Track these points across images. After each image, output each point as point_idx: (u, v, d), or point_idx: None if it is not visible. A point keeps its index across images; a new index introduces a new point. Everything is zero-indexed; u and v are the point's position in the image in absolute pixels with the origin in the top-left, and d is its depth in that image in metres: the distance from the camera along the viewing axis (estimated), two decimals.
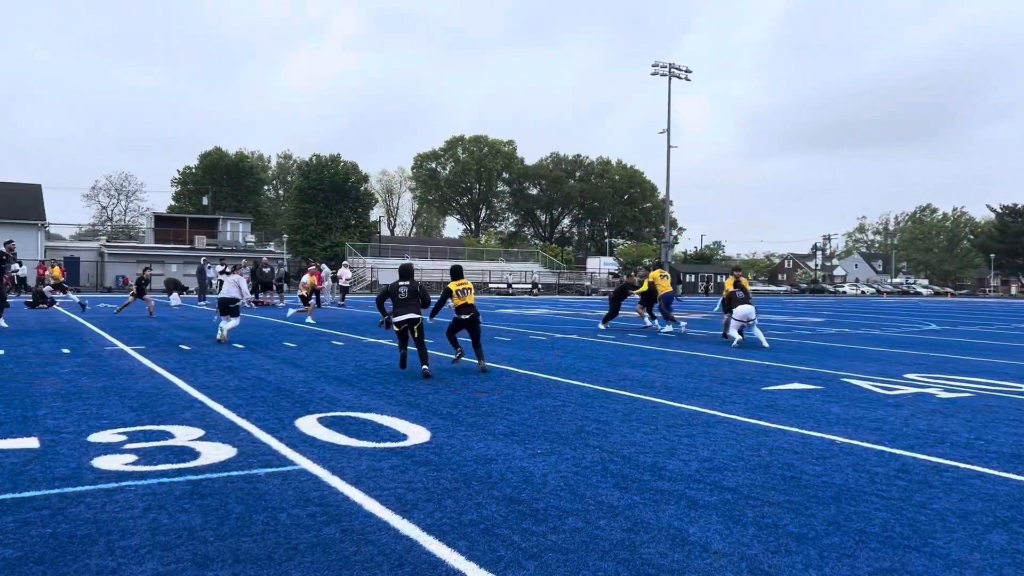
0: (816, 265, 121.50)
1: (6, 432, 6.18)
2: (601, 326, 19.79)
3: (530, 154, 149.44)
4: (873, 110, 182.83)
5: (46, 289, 24.01)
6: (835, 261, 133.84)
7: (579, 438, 6.40)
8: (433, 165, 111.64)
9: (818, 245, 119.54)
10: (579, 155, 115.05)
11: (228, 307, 14.26)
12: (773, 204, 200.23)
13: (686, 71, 69.63)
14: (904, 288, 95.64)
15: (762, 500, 4.72)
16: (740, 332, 15.32)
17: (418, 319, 10.45)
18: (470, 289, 11.35)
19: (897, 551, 3.88)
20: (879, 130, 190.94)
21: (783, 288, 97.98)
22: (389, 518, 4.23)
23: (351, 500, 4.55)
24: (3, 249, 16.97)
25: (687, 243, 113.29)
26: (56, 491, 4.59)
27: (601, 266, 77.84)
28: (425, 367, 10.13)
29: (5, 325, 16.38)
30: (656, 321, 19.40)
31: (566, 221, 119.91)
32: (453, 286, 11.28)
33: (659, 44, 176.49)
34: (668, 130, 68.82)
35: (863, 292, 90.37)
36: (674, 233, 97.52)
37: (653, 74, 68.81)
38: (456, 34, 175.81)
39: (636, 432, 6.68)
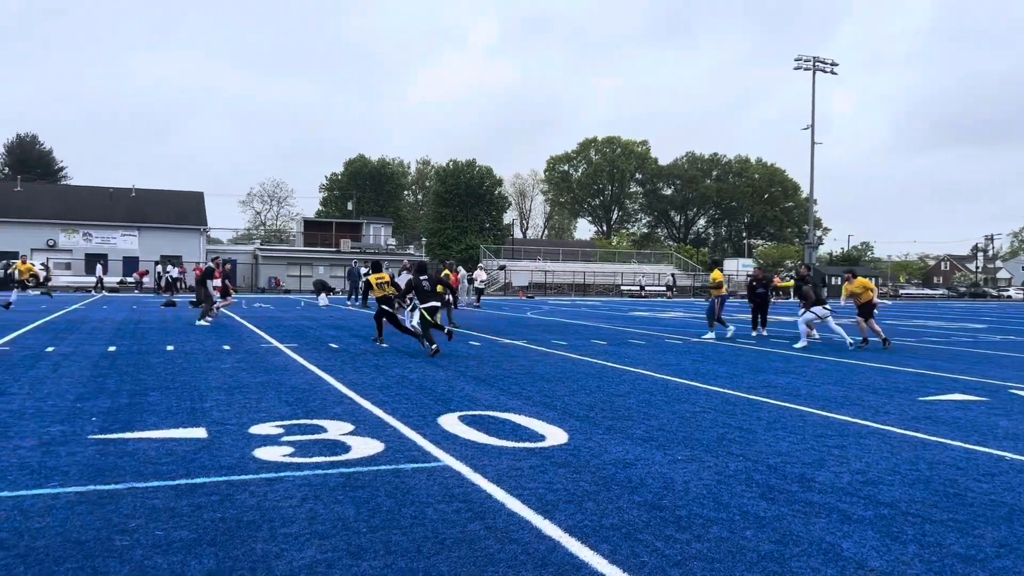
0: (976, 267, 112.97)
1: (178, 422, 6.70)
2: (752, 332, 18.71)
3: (664, 154, 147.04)
4: None
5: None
6: (998, 263, 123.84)
7: (721, 446, 6.25)
8: (565, 167, 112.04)
9: (979, 246, 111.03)
10: (716, 154, 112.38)
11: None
12: (927, 202, 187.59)
13: (831, 64, 66.61)
14: None
15: (923, 517, 4.44)
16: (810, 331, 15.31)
17: (439, 306, 13.20)
18: (388, 282, 13.67)
19: None
20: None
21: (939, 292, 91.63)
22: (531, 517, 4.28)
23: (493, 498, 4.64)
24: (211, 264, 19.88)
25: (832, 244, 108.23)
26: (223, 479, 4.94)
27: (739, 268, 75.58)
28: (449, 328, 13.32)
29: (204, 323, 17.95)
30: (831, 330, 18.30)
31: (702, 222, 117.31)
32: (373, 279, 13.65)
33: (803, 38, 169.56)
34: (812, 126, 66.07)
35: None
36: (818, 233, 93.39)
37: (796, 68, 66.35)
38: (592, 34, 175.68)
39: (781, 441, 6.45)
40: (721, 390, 9.35)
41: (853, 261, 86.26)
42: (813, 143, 66.43)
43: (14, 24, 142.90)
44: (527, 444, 6.10)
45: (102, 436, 6.06)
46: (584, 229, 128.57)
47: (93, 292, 41.94)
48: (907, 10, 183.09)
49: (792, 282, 18.41)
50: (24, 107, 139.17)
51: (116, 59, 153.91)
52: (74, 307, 25.74)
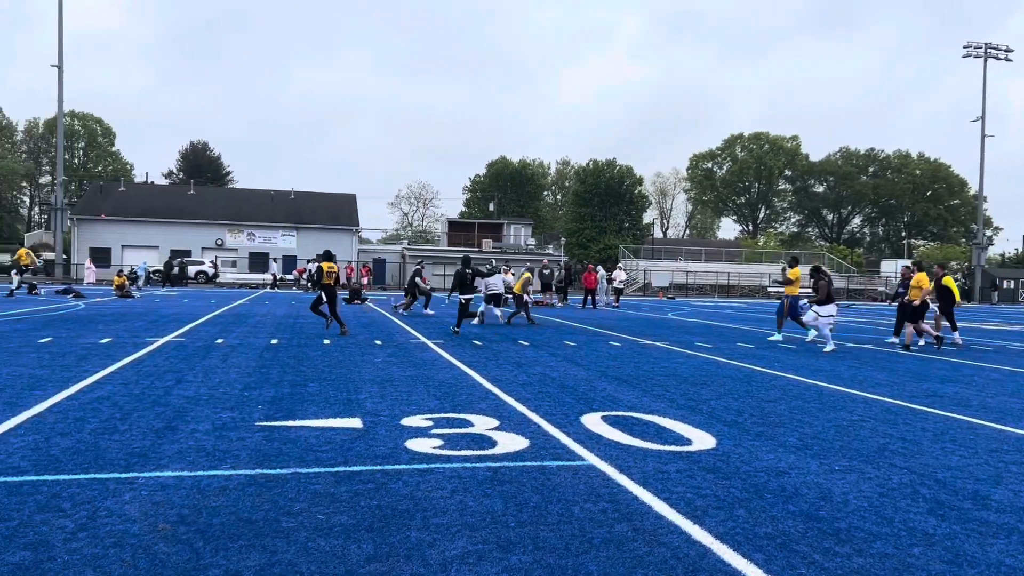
0: None
1: (336, 412, 7.06)
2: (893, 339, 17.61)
3: (815, 150, 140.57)
4: None
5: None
6: None
7: (882, 457, 5.90)
8: (709, 165, 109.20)
9: None
10: (872, 149, 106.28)
11: (494, 298, 19.17)
12: None
13: (1006, 51, 61.35)
14: None
15: None
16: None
17: (472, 298, 16.37)
18: (335, 272, 15.56)
19: None
20: None
21: None
22: (680, 522, 4.20)
23: (640, 500, 4.59)
24: (419, 266, 21.42)
25: (1005, 244, 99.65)
26: (378, 468, 5.15)
27: (897, 269, 71.01)
28: (474, 321, 17.33)
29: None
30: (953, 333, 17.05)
31: (856, 220, 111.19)
32: (325, 267, 15.36)
33: (973, 24, 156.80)
34: (983, 117, 61.19)
35: None
36: (988, 233, 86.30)
37: (965, 56, 61.63)
38: (739, 28, 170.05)
39: (951, 455, 6.00)
40: (881, 398, 8.82)
41: None
42: (983, 136, 61.53)
43: (189, 39, 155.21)
44: (673, 447, 5.99)
45: (267, 423, 6.47)
46: (728, 228, 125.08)
47: (269, 288, 44.86)
48: None
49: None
50: (197, 116, 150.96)
51: (278, 70, 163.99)
52: (239, 302, 27.64)
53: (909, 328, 15.49)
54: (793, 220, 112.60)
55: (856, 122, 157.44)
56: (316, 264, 16.99)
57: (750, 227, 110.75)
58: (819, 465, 5.57)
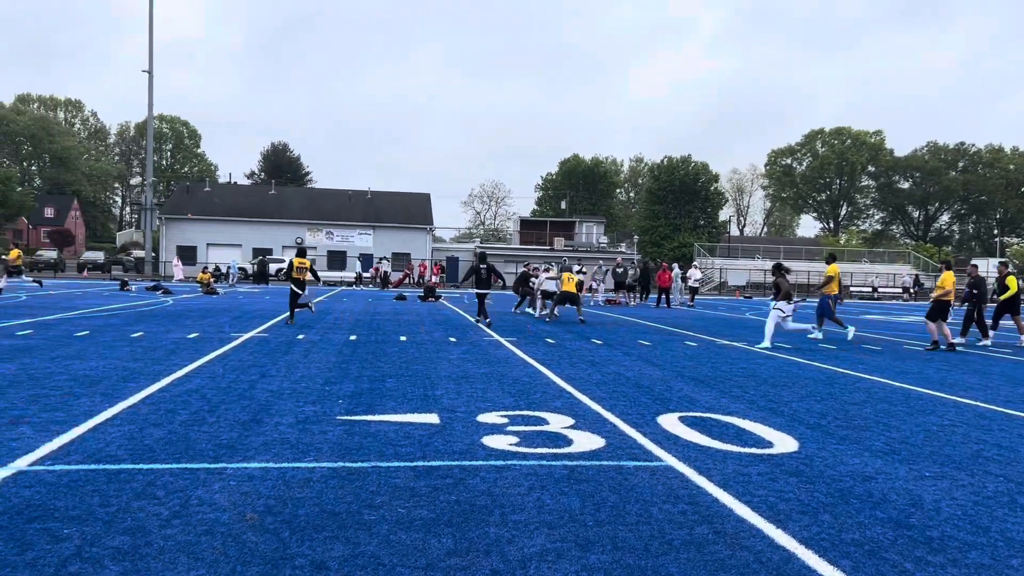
0: None
1: (414, 407, 7.16)
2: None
3: (901, 144, 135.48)
4: None
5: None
6: None
7: (976, 463, 5.65)
8: (788, 161, 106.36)
9: None
10: (962, 143, 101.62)
11: (547, 295, 20.38)
12: None
13: None
14: None
15: None
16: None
17: (487, 292, 17.51)
18: (307, 267, 16.29)
19: None
20: None
21: None
22: (762, 525, 4.12)
23: (720, 502, 4.51)
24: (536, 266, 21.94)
25: None
26: (456, 463, 5.20)
27: (989, 268, 67.87)
28: (488, 320, 17.15)
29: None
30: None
31: (944, 217, 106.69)
32: (295, 262, 16.24)
33: None
34: None
35: None
36: None
37: None
38: (822, 21, 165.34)
39: None
40: (973, 403, 8.45)
41: None
42: None
43: (270, 45, 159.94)
44: (753, 450, 5.87)
45: (348, 417, 6.61)
46: (808, 226, 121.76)
47: (356, 286, 45.83)
48: None
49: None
50: (277, 118, 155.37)
51: (355, 72, 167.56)
52: (318, 299, 28.32)
53: (931, 326, 15.07)
54: (876, 217, 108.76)
55: (944, 116, 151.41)
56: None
57: (831, 224, 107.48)
58: (908, 471, 5.38)
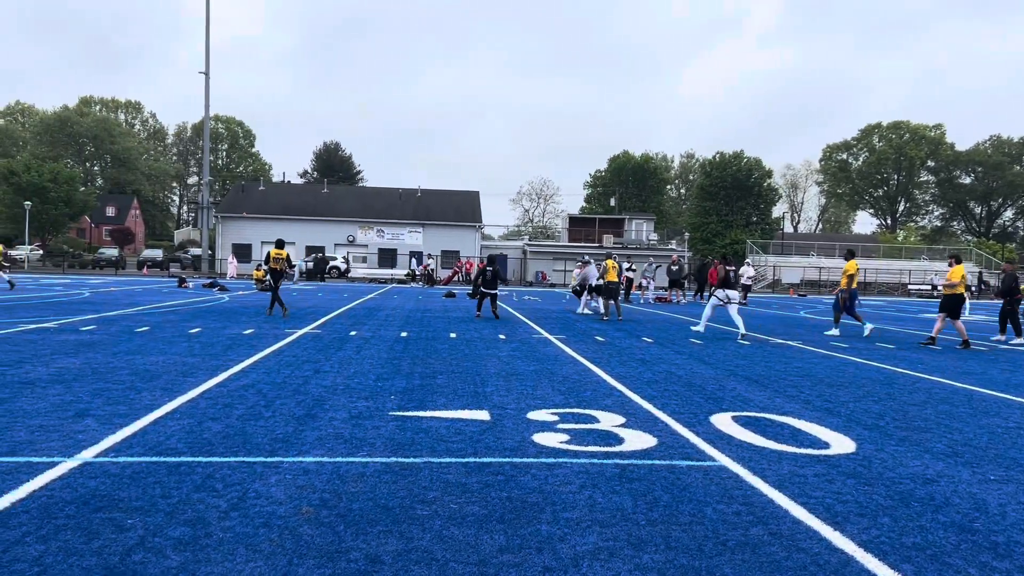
0: None
1: (464, 404, 7.20)
2: None
3: (962, 139, 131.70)
4: None
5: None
6: None
7: None
8: (844, 156, 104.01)
9: None
10: None
11: (576, 290, 21.60)
12: None
13: None
14: None
15: None
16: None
17: (495, 292, 18.24)
18: (284, 258, 17.41)
19: None
20: None
21: None
22: (819, 527, 4.04)
23: (775, 503, 4.44)
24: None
25: None
26: (507, 460, 5.22)
27: None
28: (496, 316, 18.17)
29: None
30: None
31: (1008, 213, 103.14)
32: (272, 253, 17.20)
33: None
34: None
35: None
36: None
37: None
38: (881, 13, 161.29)
39: None
40: None
41: None
42: None
43: (324, 45, 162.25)
44: (809, 450, 5.76)
45: (400, 413, 6.67)
46: (864, 222, 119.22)
47: (418, 284, 46.19)
48: None
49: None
50: (329, 117, 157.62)
51: (405, 72, 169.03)
52: (370, 296, 28.65)
53: (943, 324, 14.87)
54: (936, 213, 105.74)
55: (1009, 109, 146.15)
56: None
57: (888, 221, 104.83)
58: (971, 474, 5.22)
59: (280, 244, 17.79)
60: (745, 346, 13.52)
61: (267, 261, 17.45)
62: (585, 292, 21.94)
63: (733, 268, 31.96)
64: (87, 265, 55.77)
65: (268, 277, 17.49)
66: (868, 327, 16.15)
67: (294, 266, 40.24)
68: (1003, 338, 16.26)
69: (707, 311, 15.63)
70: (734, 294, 15.55)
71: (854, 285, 16.56)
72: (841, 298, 16.63)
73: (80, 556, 3.41)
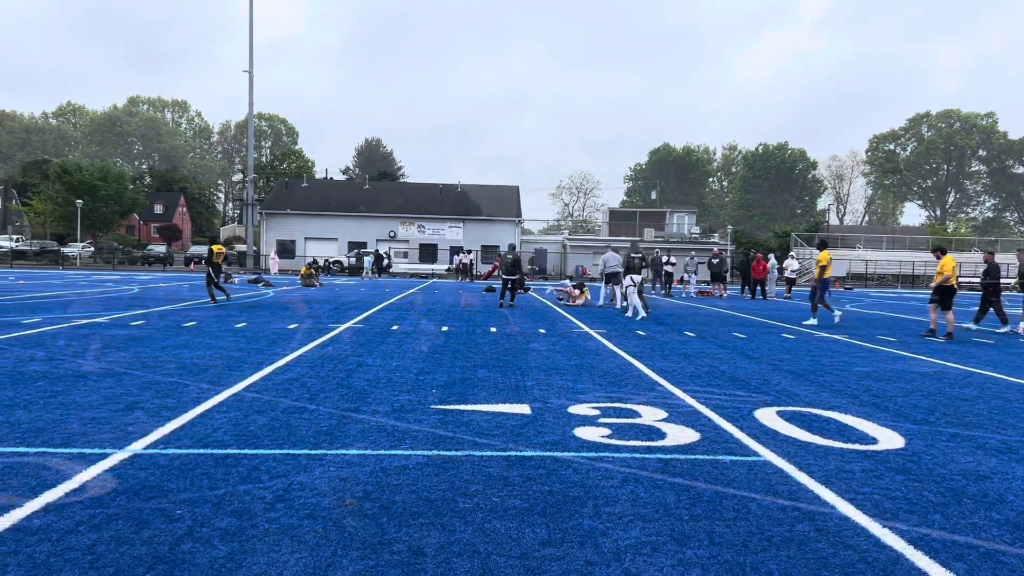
0: None
1: (505, 397, 7.21)
2: None
3: (1016, 127, 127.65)
4: None
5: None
6: None
7: None
8: (891, 146, 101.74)
9: None
10: None
11: (609, 277, 21.75)
12: None
13: None
14: None
15: None
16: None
17: (511, 279, 20.69)
18: (223, 253, 19.01)
19: None
20: None
21: None
22: (867, 524, 3.96)
23: (822, 499, 4.36)
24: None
25: None
26: (548, 454, 5.21)
27: None
28: (512, 305, 20.30)
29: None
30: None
31: None
32: (215, 248, 18.82)
33: None
34: None
35: None
36: None
37: None
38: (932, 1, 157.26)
39: None
40: None
41: None
42: None
43: (366, 43, 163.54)
44: (856, 446, 5.65)
45: (441, 406, 6.71)
46: (912, 214, 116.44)
47: (458, 279, 46.38)
48: None
49: None
50: (371, 114, 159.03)
51: (446, 68, 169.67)
52: (411, 291, 28.87)
53: (936, 314, 14.65)
54: (988, 204, 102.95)
55: None
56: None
57: (937, 213, 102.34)
58: None
59: (228, 242, 20.25)
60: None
61: (210, 255, 18.98)
62: (603, 283, 22.77)
63: (668, 257, 31.18)
64: (136, 261, 57.12)
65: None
66: (837, 314, 16.91)
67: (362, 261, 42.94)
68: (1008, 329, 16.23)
69: (632, 299, 17.40)
70: (637, 278, 17.58)
71: (827, 275, 16.79)
72: (813, 286, 17.27)
73: (131, 545, 3.49)
